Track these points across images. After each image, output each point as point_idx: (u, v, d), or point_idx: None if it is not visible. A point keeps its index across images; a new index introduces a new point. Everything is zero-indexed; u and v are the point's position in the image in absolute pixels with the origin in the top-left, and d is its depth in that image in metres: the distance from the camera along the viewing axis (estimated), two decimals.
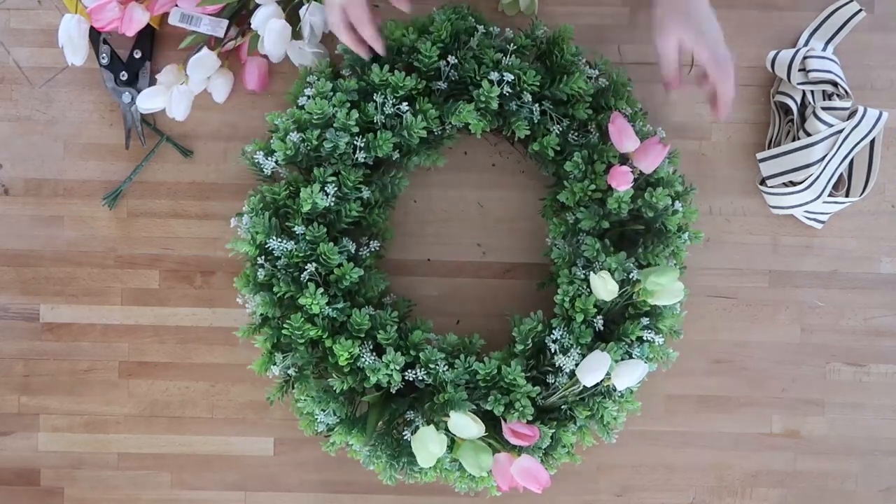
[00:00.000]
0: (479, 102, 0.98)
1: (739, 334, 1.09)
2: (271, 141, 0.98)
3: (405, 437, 0.97)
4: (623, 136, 0.96)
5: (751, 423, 1.09)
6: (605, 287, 0.94)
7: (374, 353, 0.97)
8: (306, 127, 0.98)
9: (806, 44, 1.07)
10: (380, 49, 0.98)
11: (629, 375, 0.95)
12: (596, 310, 0.96)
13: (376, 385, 0.97)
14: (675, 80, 0.97)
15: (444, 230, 1.08)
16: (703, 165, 1.08)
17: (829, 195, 1.05)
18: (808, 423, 1.09)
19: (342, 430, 0.98)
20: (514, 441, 0.95)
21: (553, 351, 0.96)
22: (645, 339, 0.98)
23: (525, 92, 0.99)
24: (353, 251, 1.00)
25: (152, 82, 1.06)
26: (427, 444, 0.94)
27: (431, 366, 0.97)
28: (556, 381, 0.96)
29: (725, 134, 1.08)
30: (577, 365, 0.95)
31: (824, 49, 1.07)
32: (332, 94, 0.99)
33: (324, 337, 0.97)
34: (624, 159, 0.99)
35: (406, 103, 0.98)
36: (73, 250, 1.08)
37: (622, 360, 0.97)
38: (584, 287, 0.97)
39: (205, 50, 1.03)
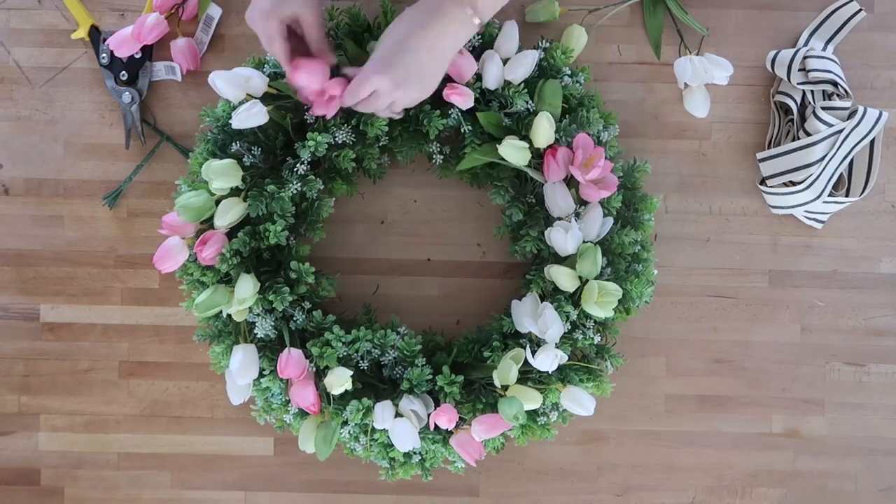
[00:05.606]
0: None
1: (739, 334, 1.09)
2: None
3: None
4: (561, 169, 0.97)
5: (751, 423, 1.09)
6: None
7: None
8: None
9: (806, 44, 1.07)
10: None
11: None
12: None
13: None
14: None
15: (444, 230, 1.08)
16: (703, 165, 1.08)
17: (829, 195, 1.05)
18: (808, 423, 1.09)
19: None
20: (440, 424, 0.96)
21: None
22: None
23: (519, 100, 0.98)
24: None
25: (152, 83, 1.06)
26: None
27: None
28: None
29: (725, 134, 1.08)
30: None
31: (824, 49, 1.07)
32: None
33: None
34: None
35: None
36: (73, 250, 1.08)
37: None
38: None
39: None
